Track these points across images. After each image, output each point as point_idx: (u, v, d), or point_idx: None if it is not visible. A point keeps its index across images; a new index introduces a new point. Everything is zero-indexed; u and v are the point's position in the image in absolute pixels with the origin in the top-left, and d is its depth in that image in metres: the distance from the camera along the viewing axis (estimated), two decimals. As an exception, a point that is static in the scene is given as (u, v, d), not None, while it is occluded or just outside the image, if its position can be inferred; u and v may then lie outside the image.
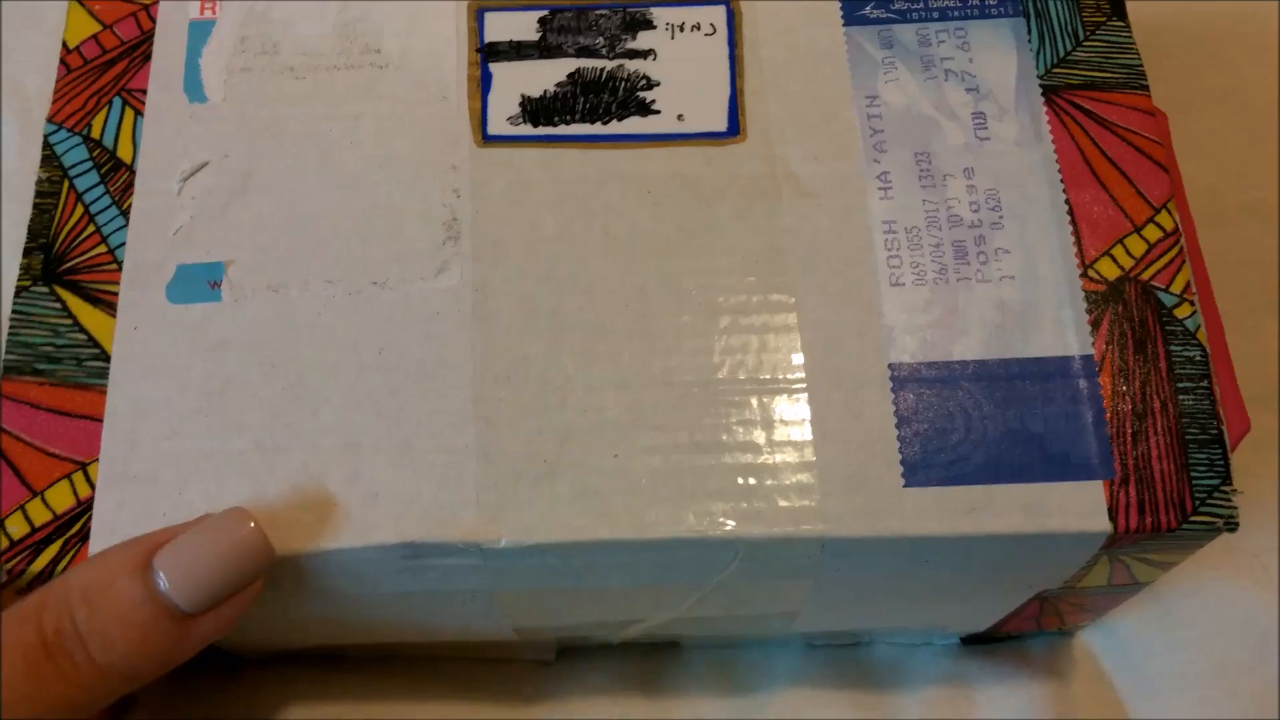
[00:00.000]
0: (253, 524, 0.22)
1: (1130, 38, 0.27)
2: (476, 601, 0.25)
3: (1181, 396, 0.24)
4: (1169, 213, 0.25)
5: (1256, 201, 0.37)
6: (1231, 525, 0.23)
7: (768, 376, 0.24)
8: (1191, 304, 0.24)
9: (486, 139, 0.26)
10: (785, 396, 0.24)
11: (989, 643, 0.32)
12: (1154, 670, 0.31)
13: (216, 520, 0.22)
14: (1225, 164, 0.38)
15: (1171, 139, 0.27)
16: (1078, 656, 0.32)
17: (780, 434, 0.24)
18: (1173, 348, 0.24)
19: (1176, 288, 0.25)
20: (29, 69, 0.38)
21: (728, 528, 0.23)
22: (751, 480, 0.23)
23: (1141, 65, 0.27)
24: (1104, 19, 0.27)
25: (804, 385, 0.24)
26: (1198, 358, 0.24)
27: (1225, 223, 0.37)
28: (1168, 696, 0.31)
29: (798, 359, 0.24)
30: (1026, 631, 0.32)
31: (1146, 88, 0.26)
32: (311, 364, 0.24)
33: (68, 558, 0.23)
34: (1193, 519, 0.23)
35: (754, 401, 0.24)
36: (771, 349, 0.24)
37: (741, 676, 0.32)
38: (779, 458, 0.23)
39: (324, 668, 0.31)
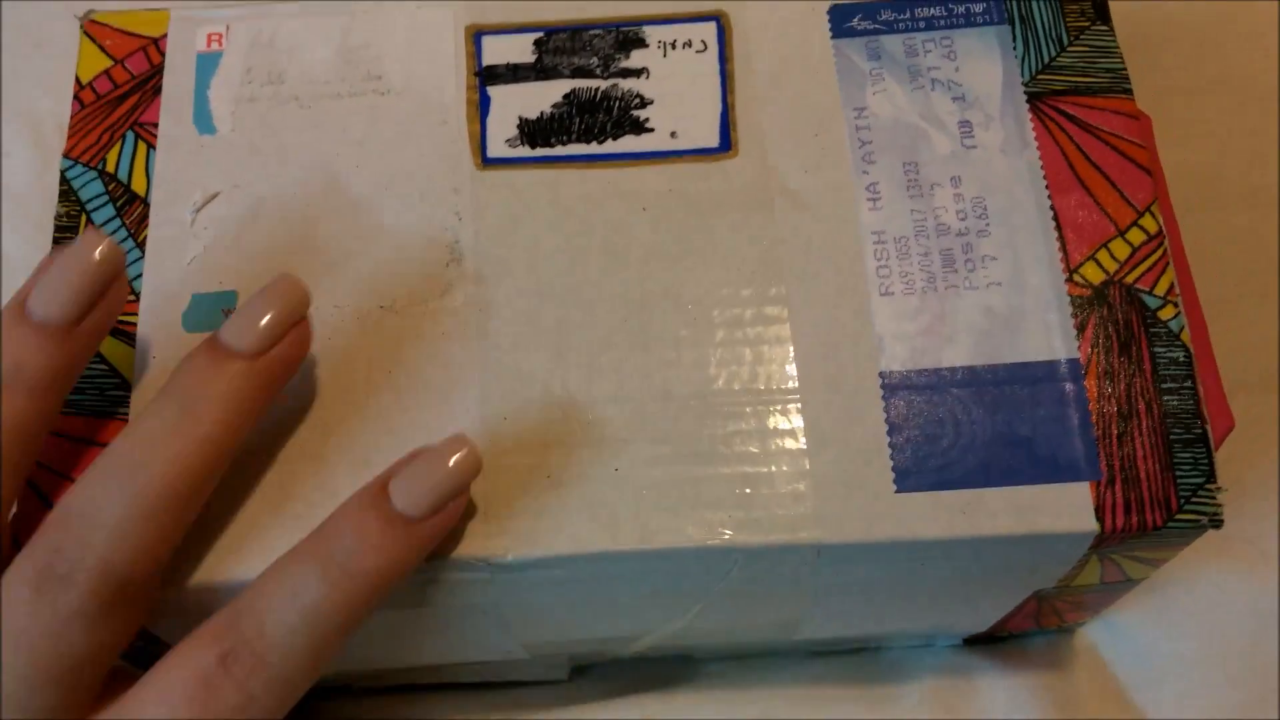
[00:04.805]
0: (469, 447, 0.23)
1: (1114, 41, 0.27)
2: (488, 617, 0.26)
3: (1166, 397, 0.24)
4: (1152, 215, 0.26)
5: (1256, 187, 0.38)
6: (1216, 522, 0.24)
7: (762, 387, 0.25)
8: (1175, 306, 0.25)
9: (486, 161, 0.27)
10: (780, 406, 0.25)
11: (991, 642, 0.33)
12: (1154, 658, 0.32)
13: (442, 447, 0.23)
14: (1223, 150, 0.38)
15: (1155, 140, 0.27)
16: (1078, 648, 0.33)
17: (775, 443, 0.24)
18: (1157, 349, 0.25)
19: (1160, 290, 0.25)
20: (39, 94, 0.39)
21: (725, 536, 0.24)
22: (748, 490, 0.24)
23: (1125, 69, 0.27)
24: (1088, 24, 0.27)
25: (798, 395, 0.25)
26: (1181, 359, 0.25)
27: (1224, 209, 0.37)
28: (1169, 683, 0.32)
29: (791, 369, 0.25)
30: (1028, 630, 0.32)
31: (1130, 91, 0.27)
32: (323, 386, 0.25)
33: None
34: (1178, 517, 0.24)
35: (749, 411, 0.25)
36: (766, 360, 0.25)
37: (747, 677, 0.33)
38: (774, 467, 0.24)
39: (330, 697, 0.32)
